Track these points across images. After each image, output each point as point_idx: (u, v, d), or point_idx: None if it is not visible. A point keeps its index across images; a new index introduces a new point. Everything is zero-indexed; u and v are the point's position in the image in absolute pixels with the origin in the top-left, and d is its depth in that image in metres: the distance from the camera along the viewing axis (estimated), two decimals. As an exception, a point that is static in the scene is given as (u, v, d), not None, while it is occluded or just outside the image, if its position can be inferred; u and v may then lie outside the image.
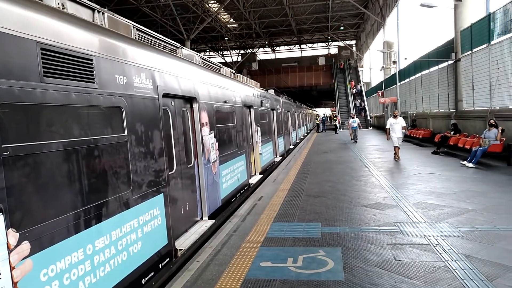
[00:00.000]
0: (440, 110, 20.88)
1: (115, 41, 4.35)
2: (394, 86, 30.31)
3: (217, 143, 7.58)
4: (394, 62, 28.59)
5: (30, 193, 2.88)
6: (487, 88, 14.66)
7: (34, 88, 2.95)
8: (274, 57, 69.65)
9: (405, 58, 24.72)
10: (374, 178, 10.72)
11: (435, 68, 21.30)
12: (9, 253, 2.60)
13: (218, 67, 10.05)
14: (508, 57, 12.89)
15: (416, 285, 4.03)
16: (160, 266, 4.80)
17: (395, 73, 28.90)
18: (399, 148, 14.30)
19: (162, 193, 4.98)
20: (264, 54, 69.64)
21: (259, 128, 12.63)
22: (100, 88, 3.82)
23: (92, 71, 3.73)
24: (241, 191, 9.35)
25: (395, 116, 14.69)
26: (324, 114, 49.39)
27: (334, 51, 65.67)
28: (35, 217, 2.88)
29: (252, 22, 46.69)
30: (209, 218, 6.83)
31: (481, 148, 11.73)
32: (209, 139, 7.13)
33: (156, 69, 5.15)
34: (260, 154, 12.66)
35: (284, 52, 70.22)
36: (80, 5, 4.28)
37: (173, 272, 5.13)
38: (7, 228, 2.60)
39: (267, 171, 13.37)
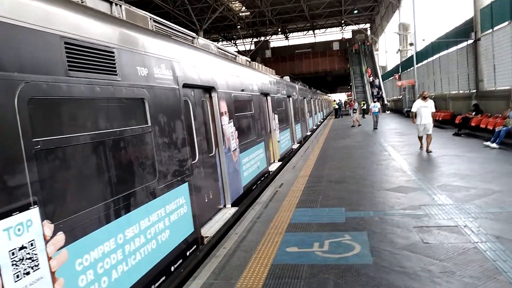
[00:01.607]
0: (460, 91, 20.45)
1: (135, 33, 4.37)
2: (411, 68, 29.80)
3: (236, 131, 7.59)
4: (411, 44, 28.01)
5: (62, 185, 2.94)
6: (509, 67, 14.27)
7: (60, 82, 2.99)
8: (288, 44, 69.00)
9: (423, 40, 24.10)
10: (394, 162, 10.61)
11: (454, 48, 20.81)
12: (45, 244, 2.66)
13: (234, 56, 10.02)
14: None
15: (447, 267, 3.99)
16: (187, 253, 4.86)
17: (412, 55, 28.37)
18: (430, 137, 11.56)
19: (187, 182, 5.02)
20: (277, 41, 69.08)
21: (276, 116, 12.60)
22: (122, 80, 3.84)
23: (114, 64, 3.75)
24: (261, 179, 9.37)
25: (424, 98, 11.82)
26: (339, 100, 48.80)
27: (348, 35, 64.65)
28: (67, 209, 2.94)
29: (264, 10, 46.28)
30: (232, 205, 6.88)
31: (504, 128, 11.47)
32: (229, 128, 7.14)
33: (175, 60, 5.16)
34: (278, 141, 12.64)
35: (298, 39, 69.45)
36: (98, -2, 4.31)
37: (200, 259, 5.20)
38: (42, 220, 2.66)
39: (285, 158, 13.36)
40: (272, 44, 66.57)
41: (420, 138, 12.06)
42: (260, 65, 14.15)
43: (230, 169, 6.94)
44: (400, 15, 37.53)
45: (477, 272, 3.83)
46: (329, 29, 66.97)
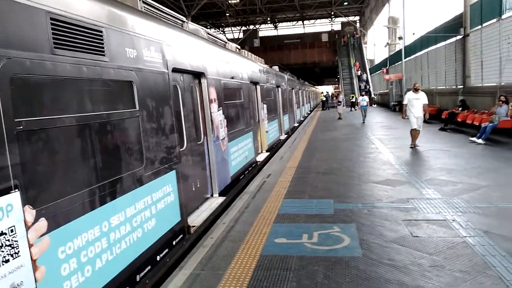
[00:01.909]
0: (447, 87, 20.61)
1: (124, 13, 4.18)
2: (399, 62, 29.91)
3: (225, 120, 7.46)
4: (400, 38, 28.04)
5: (45, 169, 2.79)
6: (496, 64, 14.41)
7: (45, 60, 2.82)
8: (277, 34, 68.65)
9: (413, 33, 24.11)
10: (382, 155, 10.62)
11: (442, 44, 20.93)
12: (26, 230, 2.52)
13: (224, 42, 9.83)
14: (520, 31, 12.60)
15: (436, 261, 3.96)
16: (174, 243, 4.75)
17: (401, 50, 28.45)
18: (418, 132, 11.35)
19: (174, 170, 4.89)
20: (266, 30, 68.65)
21: (265, 106, 12.48)
22: (110, 61, 3.68)
23: (102, 43, 3.59)
24: (249, 169, 9.28)
25: (416, 90, 11.50)
26: (327, 92, 48.86)
27: (337, 27, 64.60)
28: (50, 194, 2.80)
29: (254, -2, 45.85)
30: (220, 195, 6.77)
31: (490, 124, 11.57)
32: (218, 115, 7.01)
33: (165, 43, 4.99)
34: (267, 131, 12.55)
35: (287, 29, 69.18)
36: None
37: (186, 249, 5.10)
38: (23, 205, 2.51)
39: (273, 149, 13.29)
40: (261, 33, 66.12)
41: (414, 133, 11.36)
42: (250, 53, 13.97)
43: (218, 158, 6.82)
44: (390, 9, 37.63)
45: (466, 267, 3.81)
46: (318, 20, 66.83)
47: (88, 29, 3.38)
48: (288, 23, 67.88)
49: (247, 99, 9.61)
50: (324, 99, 41.00)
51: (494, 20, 14.72)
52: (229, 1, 49.93)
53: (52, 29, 2.93)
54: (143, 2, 5.46)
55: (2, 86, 2.41)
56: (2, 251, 2.34)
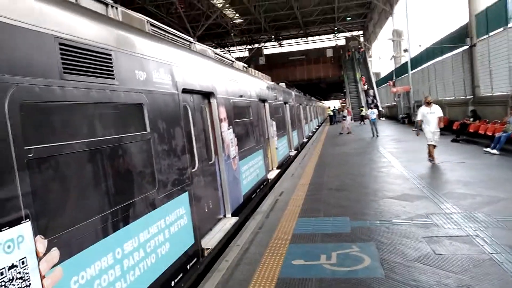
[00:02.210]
0: (456, 97, 20.42)
1: (132, 35, 4.16)
2: (405, 75, 29.84)
3: (235, 138, 7.38)
4: (405, 51, 28.04)
5: (56, 197, 2.70)
6: (506, 72, 14.23)
7: (54, 86, 2.76)
8: (281, 51, 69.09)
9: (420, 45, 24.03)
10: (395, 169, 10.44)
11: (449, 54, 20.82)
12: (38, 262, 2.42)
13: (231, 62, 9.83)
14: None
15: (463, 281, 3.78)
16: (188, 266, 4.62)
17: (407, 62, 28.42)
18: (435, 146, 10.76)
19: (187, 192, 4.79)
20: (270, 48, 69.12)
21: (274, 122, 12.40)
22: (120, 84, 3.62)
23: (112, 67, 3.54)
24: (261, 187, 9.15)
25: (428, 103, 11.03)
26: (334, 107, 48.78)
27: (341, 42, 64.89)
28: (62, 222, 2.70)
29: (258, 17, 46.29)
30: (232, 215, 6.63)
31: (505, 134, 11.36)
32: (228, 134, 6.93)
33: (174, 64, 4.96)
34: (276, 148, 12.44)
35: (291, 46, 69.59)
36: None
37: (200, 272, 4.95)
38: (35, 235, 2.42)
39: (283, 166, 13.15)
40: (265, 51, 66.60)
41: (431, 147, 10.76)
42: (257, 71, 13.98)
43: (230, 177, 6.71)
44: (394, 22, 37.71)
45: (496, 286, 3.63)
46: (322, 36, 67.19)
47: (97, 52, 3.33)
48: (292, 40, 68.34)
49: (256, 116, 9.55)
50: (332, 113, 41.02)
51: (501, 29, 14.62)
52: (234, 21, 50.51)
53: (61, 54, 2.88)
54: (151, 24, 5.46)
55: (12, 113, 2.35)
56: (13, 285, 2.24)
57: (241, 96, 8.27)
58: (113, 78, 3.52)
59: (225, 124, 6.76)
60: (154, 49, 4.51)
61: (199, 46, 7.47)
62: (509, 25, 13.93)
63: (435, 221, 5.66)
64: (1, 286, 2.18)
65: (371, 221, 5.95)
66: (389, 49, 41.43)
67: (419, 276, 3.97)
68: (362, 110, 33.66)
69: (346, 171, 10.63)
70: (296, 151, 16.86)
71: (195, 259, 4.86)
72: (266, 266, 4.58)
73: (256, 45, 61.80)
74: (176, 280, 4.27)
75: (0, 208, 2.22)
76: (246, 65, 12.40)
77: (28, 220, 2.37)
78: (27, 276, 2.33)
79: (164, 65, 4.66)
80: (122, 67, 3.71)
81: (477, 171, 9.06)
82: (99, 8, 4.19)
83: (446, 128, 19.06)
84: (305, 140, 22.00)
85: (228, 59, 9.66)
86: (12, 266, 2.25)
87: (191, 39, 6.99)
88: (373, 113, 21.05)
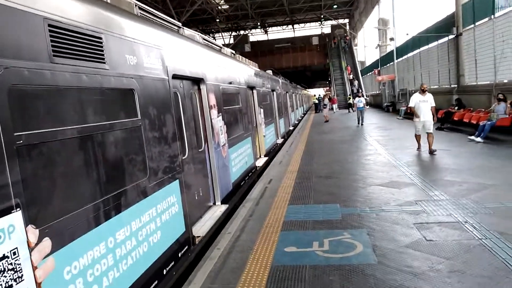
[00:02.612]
0: (441, 86, 20.64)
1: (123, 18, 4.02)
2: (391, 63, 29.99)
3: (225, 126, 7.30)
4: (391, 39, 28.11)
5: (47, 185, 2.60)
6: (491, 62, 14.41)
7: (44, 69, 2.65)
8: (267, 39, 68.70)
9: (407, 34, 24.04)
10: (382, 156, 10.52)
11: (435, 43, 20.98)
12: (30, 252, 2.34)
13: (219, 47, 9.69)
14: (514, 28, 12.61)
15: (455, 266, 3.83)
16: (179, 254, 4.56)
17: (392, 50, 28.54)
18: (432, 135, 10.23)
19: (178, 179, 4.71)
20: (256, 35, 68.68)
21: (262, 110, 12.33)
22: (111, 69, 3.50)
23: (102, 50, 3.41)
24: (249, 174, 9.11)
25: (423, 91, 10.49)
26: (319, 95, 48.89)
27: (327, 30, 64.83)
28: (53, 211, 2.61)
29: (244, 3, 45.82)
30: (222, 203, 6.59)
31: (489, 122, 11.54)
32: (218, 122, 6.84)
33: (164, 49, 4.83)
34: (264, 136, 12.39)
35: (277, 33, 69.28)
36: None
37: (191, 261, 4.92)
38: (26, 225, 2.33)
39: (271, 153, 13.13)
40: (251, 38, 66.09)
41: (418, 138, 10.71)
42: (244, 58, 13.84)
43: (219, 165, 6.65)
44: (380, 10, 37.79)
45: (488, 271, 3.68)
46: (308, 24, 67.02)
47: (87, 35, 3.20)
48: (278, 28, 68.00)
49: (245, 104, 9.46)
50: (317, 101, 41.13)
51: (487, 19, 14.75)
52: (219, 7, 49.90)
53: (51, 36, 2.75)
54: (139, 8, 5.30)
55: (0, 98, 2.23)
56: (5, 276, 2.15)
57: (230, 83, 8.17)
58: (104, 63, 3.40)
59: (214, 111, 6.67)
60: (144, 33, 4.38)
61: (187, 31, 7.32)
62: (495, 15, 14.06)
63: (425, 208, 5.72)
64: (-8, 277, 2.10)
65: (361, 208, 5.98)
66: (375, 38, 41.60)
67: (412, 262, 4.00)
68: (350, 98, 33.75)
69: (333, 159, 10.66)
70: (283, 139, 16.86)
71: (186, 247, 4.81)
72: (258, 253, 4.56)
73: (242, 32, 61.26)
74: (168, 268, 4.22)
75: None
76: (233, 52, 12.24)
77: (19, 209, 2.28)
78: (19, 267, 2.25)
79: (154, 50, 4.54)
80: (113, 51, 3.58)
81: (462, 159, 9.19)
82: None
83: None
84: (291, 128, 22.01)
85: (216, 45, 9.51)
86: (3, 257, 2.16)
87: (179, 24, 6.84)
88: (360, 101, 20.81)
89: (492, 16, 14.23)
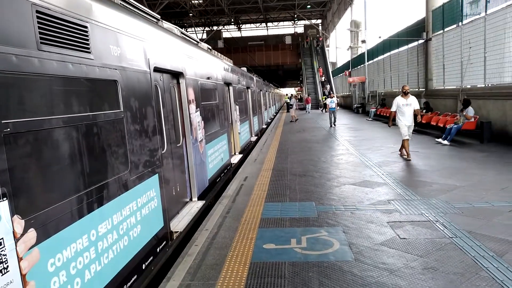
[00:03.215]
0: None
1: (107, 8, 3.94)
2: (361, 65, 30.59)
3: (202, 121, 7.27)
4: (363, 41, 28.69)
5: (33, 175, 2.54)
6: (458, 67, 14.96)
7: (31, 56, 2.57)
8: (240, 35, 68.57)
9: (380, 37, 24.65)
10: (353, 156, 10.75)
11: (405, 47, 21.56)
12: (16, 243, 2.28)
13: (197, 42, 9.61)
14: (480, 36, 13.13)
15: (429, 263, 3.98)
16: (157, 250, 4.53)
17: (363, 53, 29.12)
18: (408, 140, 9.97)
19: (157, 174, 4.67)
20: (230, 31, 68.42)
21: (237, 107, 12.34)
22: (96, 59, 3.44)
23: (88, 40, 3.34)
24: (225, 171, 9.11)
25: (405, 93, 9.94)
26: (291, 94, 49.27)
27: (300, 30, 65.37)
28: (39, 202, 2.55)
29: (218, -1, 45.58)
30: (198, 199, 6.57)
31: (455, 126, 11.99)
32: (196, 117, 6.81)
33: (146, 41, 4.77)
34: (239, 133, 12.41)
35: (251, 30, 69.30)
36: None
37: (169, 256, 4.88)
38: (12, 215, 2.26)
39: (245, 151, 13.16)
40: (224, 34, 65.79)
41: (406, 143, 10.00)
42: (221, 54, 13.78)
43: (196, 161, 6.62)
44: (352, 13, 38.45)
45: (459, 268, 3.84)
46: (281, 23, 67.37)
47: (74, 24, 3.13)
48: (252, 25, 68.01)
49: (222, 100, 9.45)
50: (289, 100, 41.43)
51: (455, 25, 15.30)
52: (192, 1, 49.38)
53: (38, 22, 2.68)
54: (119, -2, 5.20)
55: (-13, 84, 2.16)
56: (-11, 268, 2.09)
57: (208, 78, 8.14)
58: (89, 52, 3.34)
59: (193, 106, 6.63)
60: (127, 24, 4.31)
61: (166, 24, 7.22)
62: (463, 22, 14.60)
63: (397, 207, 5.90)
64: (-25, 269, 2.04)
65: (336, 206, 6.10)
66: (347, 39, 42.26)
67: (387, 259, 4.13)
68: (325, 99, 34.18)
69: (307, 158, 10.81)
70: (256, 137, 16.93)
71: (164, 242, 4.78)
72: (237, 250, 4.58)
73: (215, 28, 60.87)
74: (146, 263, 4.19)
75: None
76: (210, 47, 12.17)
77: (5, 199, 2.21)
78: (5, 258, 2.18)
79: (137, 42, 4.48)
80: (98, 41, 3.52)
81: (431, 160, 9.52)
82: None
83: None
84: (264, 126, 22.12)
85: (193, 39, 9.43)
86: (-12, 248, 2.10)
87: (158, 16, 6.75)
88: (332, 102, 20.75)
89: (460, 23, 14.78)
